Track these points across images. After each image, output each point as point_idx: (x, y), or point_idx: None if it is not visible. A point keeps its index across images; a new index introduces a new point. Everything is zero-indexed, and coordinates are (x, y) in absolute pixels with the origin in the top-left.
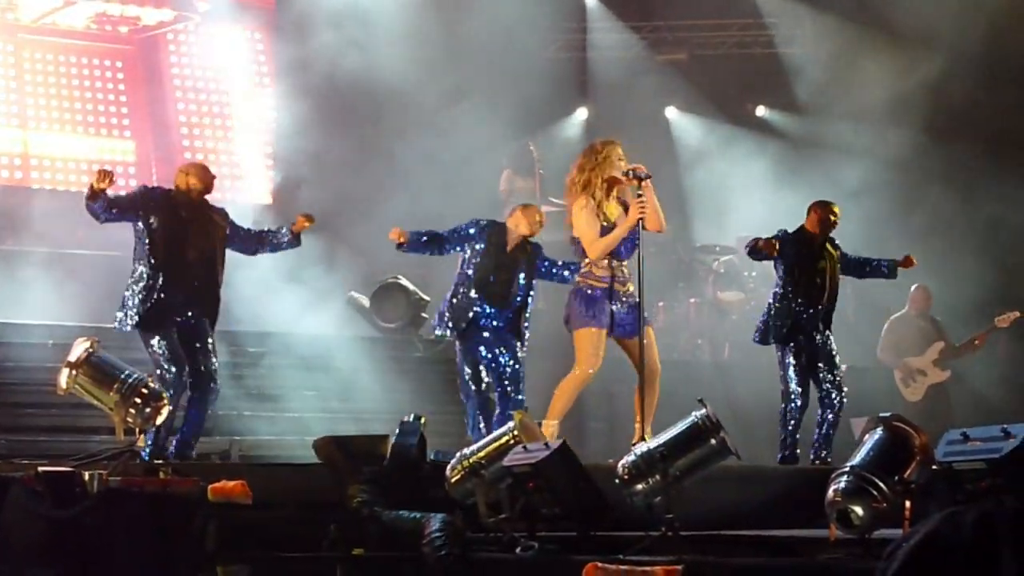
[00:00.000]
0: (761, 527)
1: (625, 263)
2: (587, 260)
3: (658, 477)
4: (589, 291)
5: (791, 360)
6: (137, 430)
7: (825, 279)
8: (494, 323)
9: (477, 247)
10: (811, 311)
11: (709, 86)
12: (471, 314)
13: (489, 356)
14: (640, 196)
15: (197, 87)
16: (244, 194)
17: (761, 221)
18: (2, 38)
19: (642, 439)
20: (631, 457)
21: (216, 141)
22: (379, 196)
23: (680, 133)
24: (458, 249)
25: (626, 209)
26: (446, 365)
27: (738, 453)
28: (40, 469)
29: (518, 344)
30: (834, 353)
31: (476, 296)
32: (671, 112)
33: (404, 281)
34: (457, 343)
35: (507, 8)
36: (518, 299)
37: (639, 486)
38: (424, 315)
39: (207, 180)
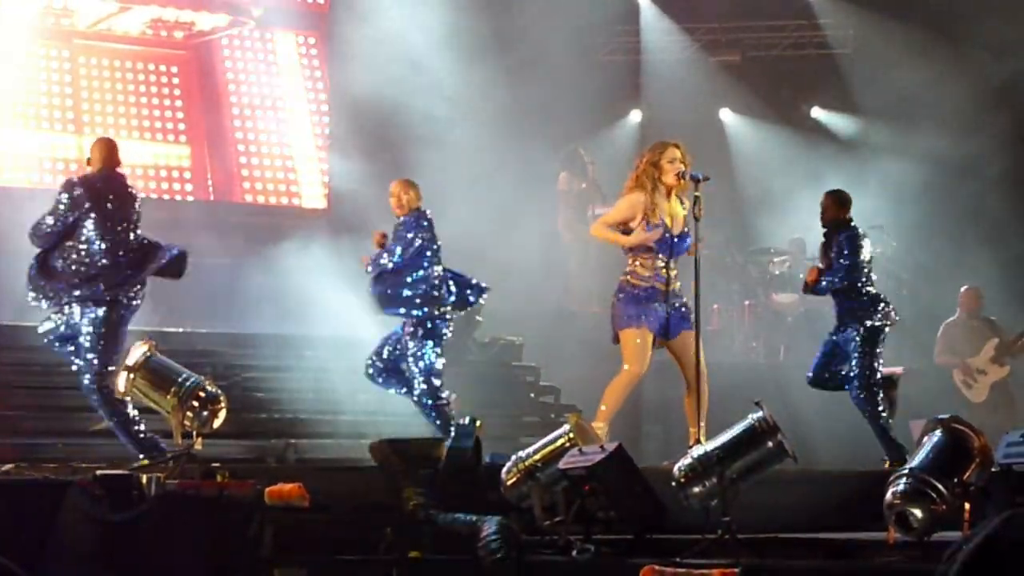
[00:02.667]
0: (818, 530)
1: (673, 264)
2: (632, 258)
3: (715, 480)
4: (634, 291)
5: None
6: (194, 433)
7: None
8: None
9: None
10: None
11: (763, 87)
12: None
13: None
14: (697, 198)
15: (251, 91)
16: (299, 198)
17: (815, 223)
18: (57, 44)
19: (698, 442)
20: (687, 460)
21: (271, 146)
22: (433, 198)
23: (734, 135)
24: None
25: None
26: (499, 368)
27: (795, 455)
28: (98, 472)
29: None
30: None
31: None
32: (725, 114)
33: None
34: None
35: (560, 11)
36: None
37: (696, 489)
38: (479, 318)
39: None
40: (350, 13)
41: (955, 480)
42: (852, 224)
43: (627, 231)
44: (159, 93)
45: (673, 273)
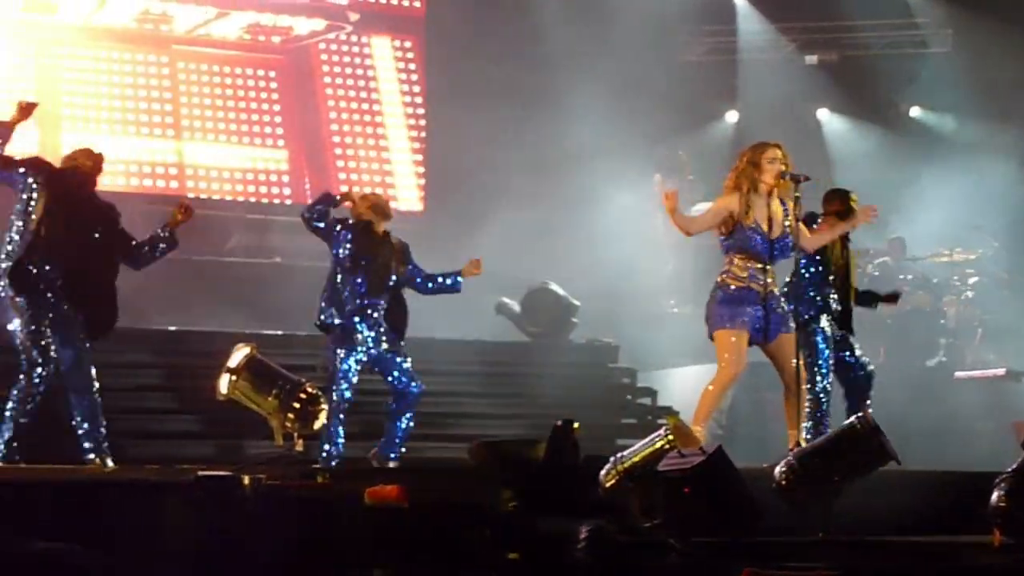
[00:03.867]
0: (920, 532)
1: (770, 267)
2: (729, 258)
3: (815, 482)
4: (730, 291)
5: None
6: (295, 435)
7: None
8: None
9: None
10: None
11: (860, 87)
12: None
13: None
14: (797, 198)
15: (348, 95)
16: (396, 201)
17: (913, 223)
18: (156, 50)
19: (798, 444)
20: (787, 462)
21: (367, 149)
22: (528, 202)
23: (831, 135)
24: None
25: (785, 210)
26: (595, 369)
27: (897, 457)
28: (199, 473)
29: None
30: None
31: None
32: (823, 114)
33: (554, 286)
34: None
35: (656, 11)
36: None
37: (796, 491)
38: (575, 320)
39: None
40: (446, 17)
41: None
42: None
43: (727, 233)
44: (257, 98)
45: (771, 276)
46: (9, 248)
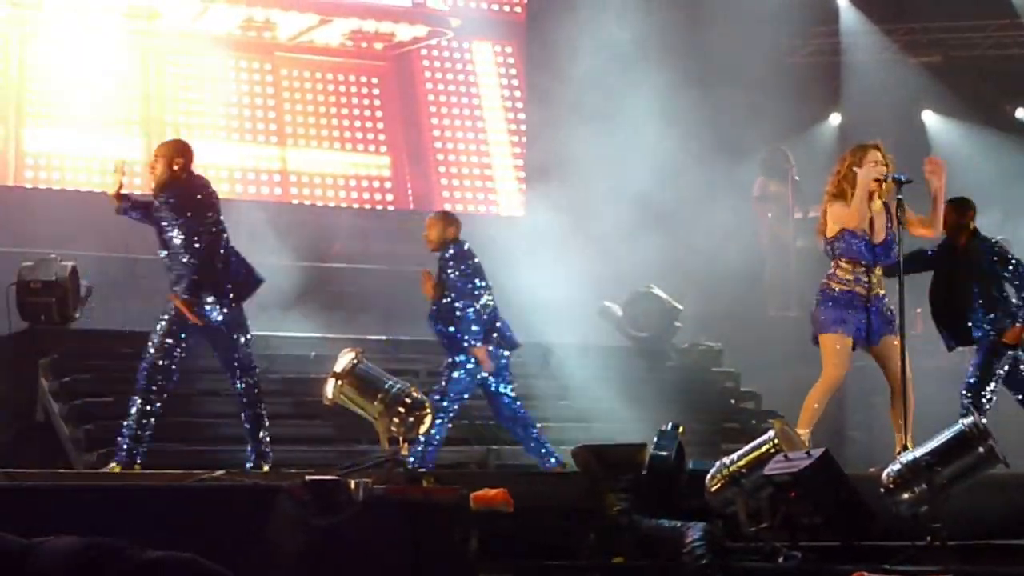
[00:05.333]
0: None
1: (877, 269)
2: (835, 262)
3: (924, 486)
4: (835, 295)
5: None
6: (401, 439)
7: None
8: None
9: None
10: None
11: (966, 88)
12: None
13: None
14: (900, 200)
15: (450, 101)
16: (496, 206)
17: (1019, 225)
18: (260, 57)
19: (905, 448)
20: (896, 466)
21: (469, 155)
22: (629, 205)
23: (937, 137)
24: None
25: (888, 213)
26: (699, 373)
27: (1006, 461)
28: (307, 478)
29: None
30: None
31: None
32: (928, 116)
33: (657, 290)
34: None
35: (759, 14)
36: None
37: (905, 495)
38: (677, 323)
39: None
40: (547, 23)
41: None
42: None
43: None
44: (359, 104)
45: (876, 278)
46: None
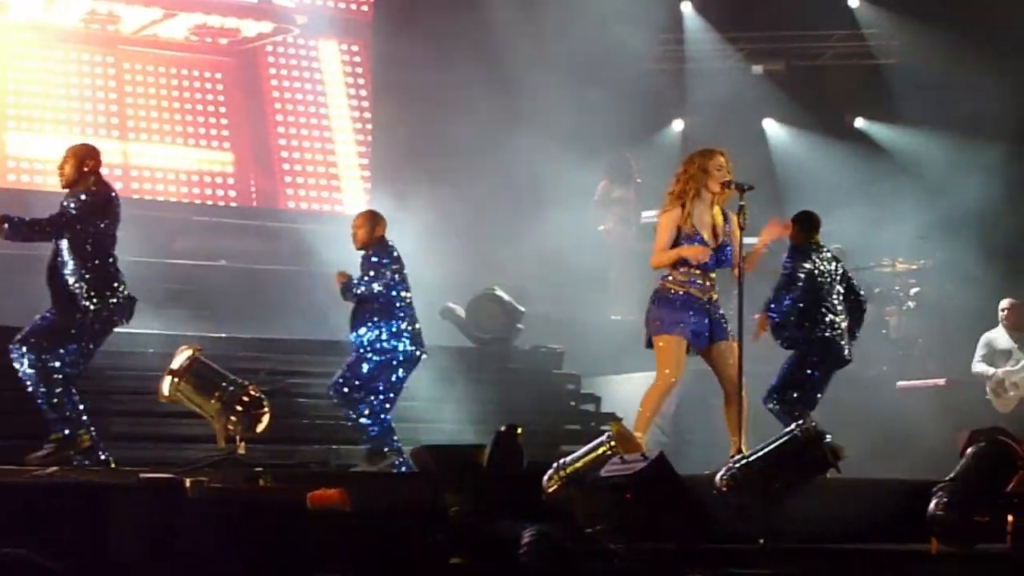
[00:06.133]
0: (861, 541)
1: (711, 273)
2: (669, 266)
3: (757, 489)
4: (669, 297)
5: None
6: (238, 438)
7: None
8: None
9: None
10: None
11: (807, 98)
12: None
13: None
14: (742, 207)
15: (295, 99)
16: (341, 204)
17: (860, 234)
18: (102, 50)
19: (739, 451)
20: (729, 469)
21: (314, 152)
22: (476, 206)
23: (777, 145)
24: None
25: (726, 218)
26: (540, 375)
27: (838, 466)
28: (143, 476)
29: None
30: None
31: None
32: (769, 124)
33: (500, 291)
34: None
35: (603, 19)
36: None
37: (738, 498)
38: (520, 326)
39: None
40: (392, 21)
41: (999, 492)
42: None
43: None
44: (203, 99)
45: (710, 282)
46: None
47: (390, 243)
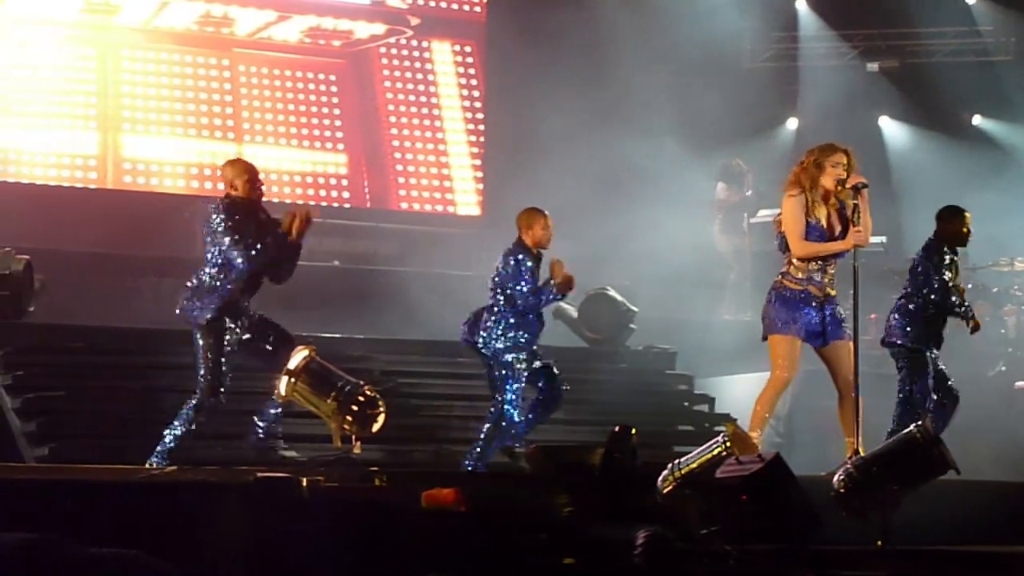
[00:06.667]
0: (979, 543)
1: (830, 269)
2: (788, 259)
3: (874, 491)
4: (787, 294)
5: None
6: (354, 437)
7: None
8: None
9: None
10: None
11: (922, 95)
12: None
13: None
14: (856, 206)
15: (408, 100)
16: (453, 206)
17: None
18: (217, 52)
19: (856, 452)
20: (846, 470)
21: (427, 153)
22: (587, 207)
23: (893, 142)
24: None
25: (840, 215)
26: (653, 376)
27: (956, 467)
28: (259, 475)
29: None
30: None
31: None
32: (884, 121)
33: (612, 292)
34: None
35: (718, 18)
36: None
37: (854, 500)
38: (632, 326)
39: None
40: (507, 22)
41: None
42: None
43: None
44: (317, 101)
45: (828, 279)
46: None
47: None
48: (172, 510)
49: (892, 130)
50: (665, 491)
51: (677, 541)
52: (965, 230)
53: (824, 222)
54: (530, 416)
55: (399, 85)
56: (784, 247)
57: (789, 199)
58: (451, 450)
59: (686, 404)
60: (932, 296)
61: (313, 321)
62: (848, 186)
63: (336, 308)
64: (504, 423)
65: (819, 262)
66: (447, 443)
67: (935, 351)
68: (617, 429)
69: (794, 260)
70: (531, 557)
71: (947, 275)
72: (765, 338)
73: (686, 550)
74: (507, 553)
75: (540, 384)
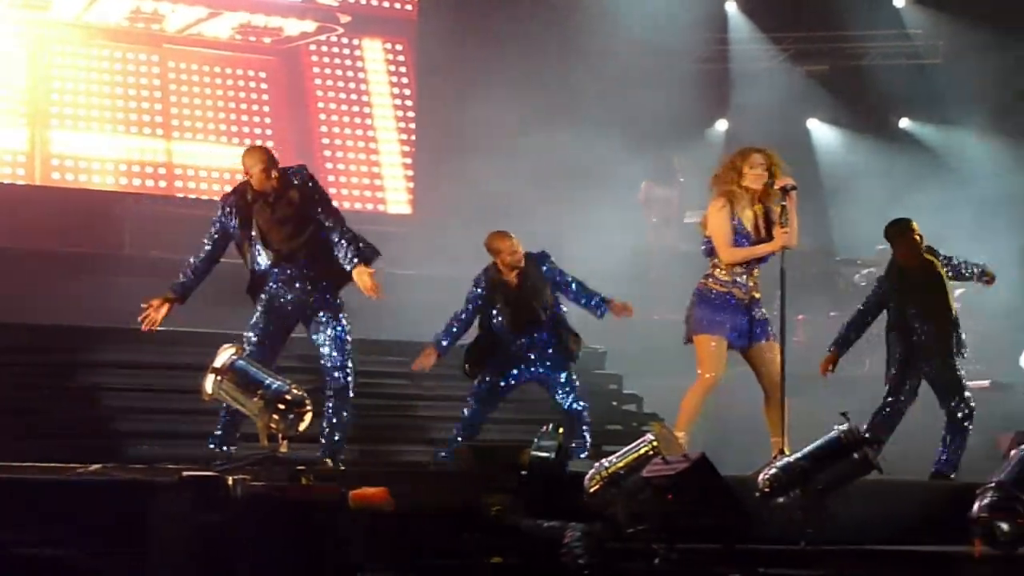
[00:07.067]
0: (904, 542)
1: (755, 272)
2: (713, 262)
3: (799, 490)
4: (711, 296)
5: None
6: (280, 436)
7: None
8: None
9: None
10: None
11: (851, 98)
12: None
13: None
14: (783, 207)
15: (339, 97)
16: (384, 204)
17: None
18: (147, 49)
19: (781, 452)
20: (771, 470)
21: (357, 151)
22: (516, 208)
23: (821, 144)
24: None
25: (767, 217)
26: (582, 375)
27: (880, 467)
28: (185, 474)
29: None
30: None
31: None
32: (813, 124)
33: None
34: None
35: (648, 19)
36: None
37: (780, 499)
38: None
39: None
40: (439, 20)
41: None
42: None
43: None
44: (247, 98)
45: (753, 281)
46: None
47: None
48: (100, 510)
49: (821, 133)
50: (592, 490)
51: (605, 540)
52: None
53: (750, 226)
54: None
55: (330, 83)
56: (709, 252)
57: (713, 206)
58: (381, 449)
59: (615, 404)
60: None
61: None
62: (776, 188)
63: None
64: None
65: (743, 265)
66: (376, 442)
67: None
68: (545, 428)
69: (718, 264)
70: (458, 556)
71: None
72: (690, 340)
73: (614, 549)
74: (434, 552)
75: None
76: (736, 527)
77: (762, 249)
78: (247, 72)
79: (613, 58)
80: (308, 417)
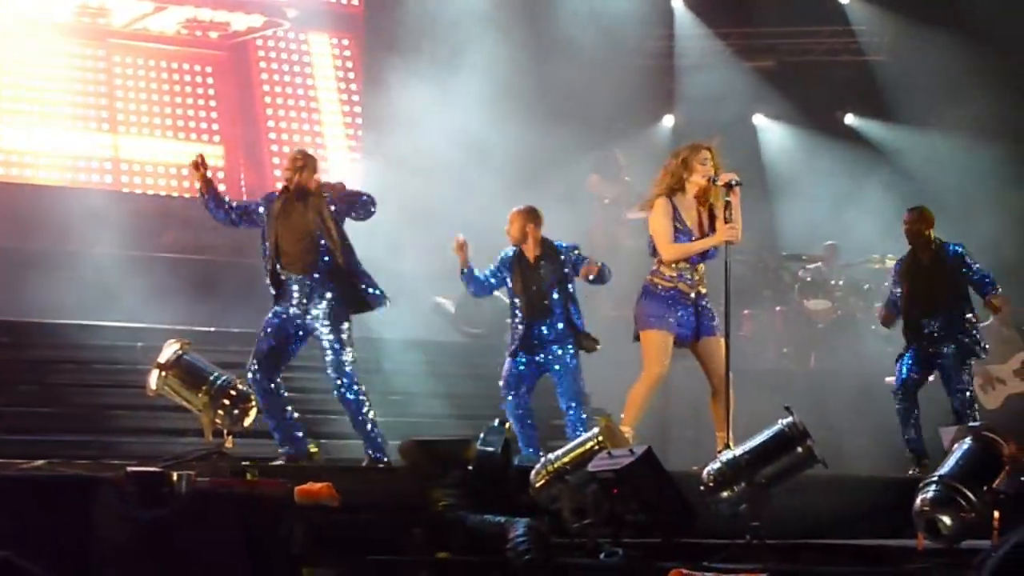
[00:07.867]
0: (847, 536)
1: (700, 267)
2: (659, 259)
3: (744, 484)
4: (657, 292)
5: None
6: (225, 431)
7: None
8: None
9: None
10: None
11: (797, 93)
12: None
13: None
14: (728, 203)
15: (286, 92)
16: None
17: (848, 229)
18: (93, 43)
19: (727, 446)
20: (716, 464)
21: (304, 146)
22: (464, 202)
23: (767, 140)
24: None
25: (710, 213)
26: None
27: (824, 461)
28: (129, 470)
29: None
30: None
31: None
32: (759, 119)
33: None
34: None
35: (594, 15)
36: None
37: (724, 493)
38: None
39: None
40: (384, 15)
41: (985, 488)
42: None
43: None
44: (193, 93)
45: (699, 276)
46: None
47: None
48: (43, 507)
49: (767, 128)
50: (538, 485)
51: (551, 535)
52: None
53: (693, 223)
54: None
55: (276, 78)
56: (654, 250)
57: (655, 203)
58: (328, 444)
59: None
60: None
61: (199, 314)
62: (720, 183)
63: (213, 302)
64: None
65: (688, 261)
66: (322, 437)
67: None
68: (492, 423)
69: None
70: (404, 551)
71: None
72: (637, 337)
73: (560, 544)
74: (380, 547)
75: None
76: (681, 521)
77: (702, 244)
78: (194, 67)
79: (559, 52)
80: (253, 412)
